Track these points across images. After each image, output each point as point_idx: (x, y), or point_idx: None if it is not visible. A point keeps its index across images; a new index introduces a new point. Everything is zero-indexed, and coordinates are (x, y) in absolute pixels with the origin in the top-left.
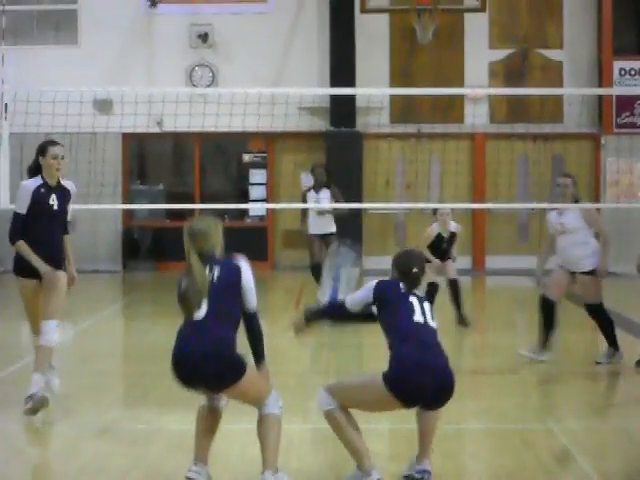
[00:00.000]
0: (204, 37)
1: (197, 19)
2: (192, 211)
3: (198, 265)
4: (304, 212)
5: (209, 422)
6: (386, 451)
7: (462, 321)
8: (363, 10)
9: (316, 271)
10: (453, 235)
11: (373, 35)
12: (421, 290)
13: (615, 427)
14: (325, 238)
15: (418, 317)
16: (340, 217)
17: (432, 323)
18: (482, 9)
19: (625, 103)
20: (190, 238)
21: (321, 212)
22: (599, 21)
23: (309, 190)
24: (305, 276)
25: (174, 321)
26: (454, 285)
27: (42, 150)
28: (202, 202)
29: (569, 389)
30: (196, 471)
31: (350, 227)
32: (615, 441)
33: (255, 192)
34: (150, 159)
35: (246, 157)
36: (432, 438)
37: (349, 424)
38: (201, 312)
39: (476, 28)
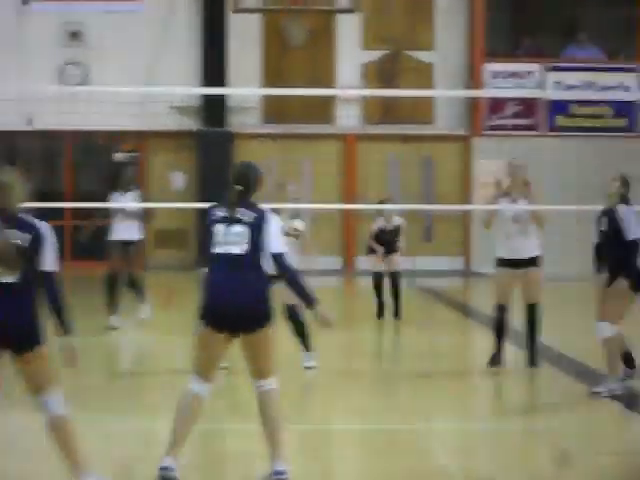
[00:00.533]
0: (76, 35)
1: (69, 17)
2: (62, 210)
3: None
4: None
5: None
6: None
7: (397, 313)
8: (235, 10)
9: (110, 283)
10: (397, 228)
11: (245, 35)
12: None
13: (485, 429)
14: (126, 246)
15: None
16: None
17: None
18: (354, 10)
19: (496, 105)
20: None
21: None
22: (471, 23)
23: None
24: (178, 276)
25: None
26: (394, 277)
27: None
28: (73, 201)
29: (439, 391)
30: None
31: None
32: (482, 442)
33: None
34: (20, 157)
35: (117, 156)
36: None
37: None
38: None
39: (348, 29)
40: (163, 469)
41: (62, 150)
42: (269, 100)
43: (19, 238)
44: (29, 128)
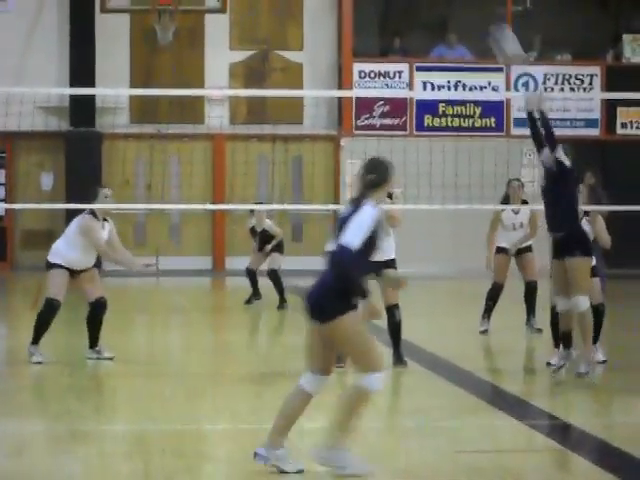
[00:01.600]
0: None
1: None
2: None
3: None
4: None
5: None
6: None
7: (281, 306)
8: (103, 10)
9: None
10: (265, 231)
11: (114, 35)
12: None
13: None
14: None
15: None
16: None
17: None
18: (223, 10)
19: (364, 105)
20: None
21: None
22: (339, 24)
23: None
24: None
25: None
26: (272, 275)
27: None
28: None
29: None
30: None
31: None
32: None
33: None
34: None
35: None
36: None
37: None
38: None
39: (217, 29)
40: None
41: None
42: (138, 100)
43: None
44: None
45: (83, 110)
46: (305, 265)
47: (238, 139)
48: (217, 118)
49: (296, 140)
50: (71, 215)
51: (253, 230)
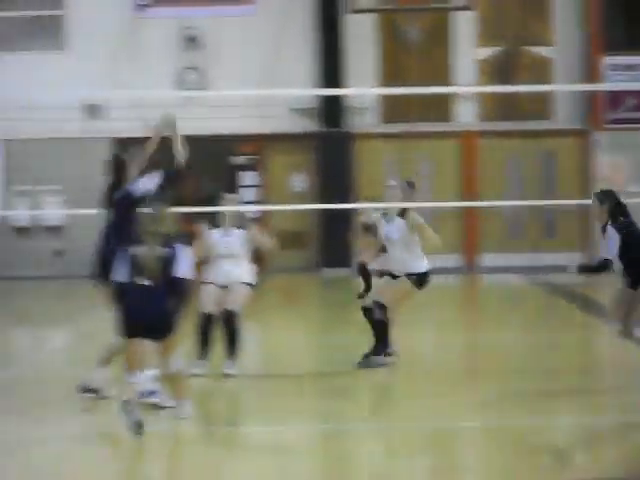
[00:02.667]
0: (192, 40)
1: (186, 22)
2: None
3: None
4: None
5: None
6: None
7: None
8: (351, 10)
9: None
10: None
11: (361, 35)
12: None
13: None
14: None
15: None
16: None
17: None
18: (470, 7)
19: (615, 99)
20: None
21: None
22: (588, 18)
23: None
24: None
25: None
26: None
27: None
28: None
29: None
30: None
31: (341, 228)
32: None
33: (246, 195)
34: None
35: (236, 160)
36: None
37: None
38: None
39: (464, 26)
40: None
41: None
42: (387, 99)
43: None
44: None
45: (333, 111)
46: (557, 261)
47: (487, 136)
48: (466, 115)
49: (546, 135)
50: (325, 216)
51: (366, 225)
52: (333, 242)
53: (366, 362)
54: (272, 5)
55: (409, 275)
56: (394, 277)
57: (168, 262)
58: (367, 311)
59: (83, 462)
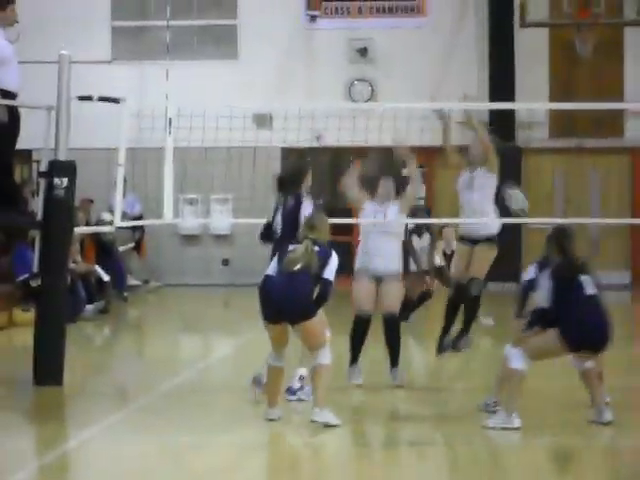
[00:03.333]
0: (363, 51)
1: (356, 34)
2: (351, 226)
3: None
4: None
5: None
6: None
7: None
8: (522, 24)
9: None
10: None
11: (533, 49)
12: None
13: None
14: None
15: None
16: None
17: None
18: None
19: None
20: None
21: None
22: None
23: None
24: None
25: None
26: None
27: None
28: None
29: None
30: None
31: (510, 242)
32: None
33: None
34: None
35: (405, 171)
36: None
37: None
38: None
39: (637, 41)
40: None
41: (349, 167)
42: (557, 114)
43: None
44: (319, 145)
45: (504, 124)
46: None
47: None
48: (637, 131)
49: None
50: None
51: None
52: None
53: (456, 343)
54: (444, 17)
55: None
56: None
57: (320, 261)
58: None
59: (251, 470)
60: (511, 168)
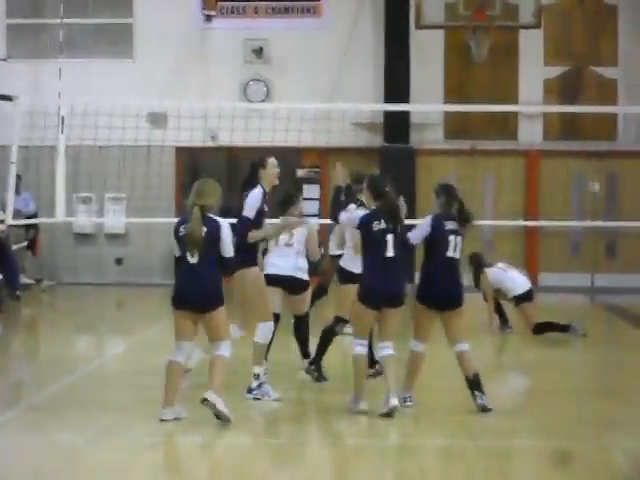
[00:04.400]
0: (259, 52)
1: (252, 34)
2: None
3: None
4: None
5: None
6: None
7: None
8: (418, 26)
9: None
10: None
11: (428, 51)
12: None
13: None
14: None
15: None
16: None
17: None
18: (537, 26)
19: None
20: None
21: None
22: None
23: None
24: None
25: None
26: None
27: (262, 162)
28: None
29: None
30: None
31: None
32: None
33: (309, 207)
34: (204, 173)
35: (300, 172)
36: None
37: None
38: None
39: (531, 45)
40: None
41: (244, 166)
42: (452, 116)
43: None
44: (213, 145)
45: (397, 126)
46: (618, 282)
47: (551, 155)
48: (531, 134)
49: (611, 156)
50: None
51: None
52: None
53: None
54: (340, 19)
55: None
56: None
57: (211, 237)
58: None
59: (144, 469)
60: (405, 169)
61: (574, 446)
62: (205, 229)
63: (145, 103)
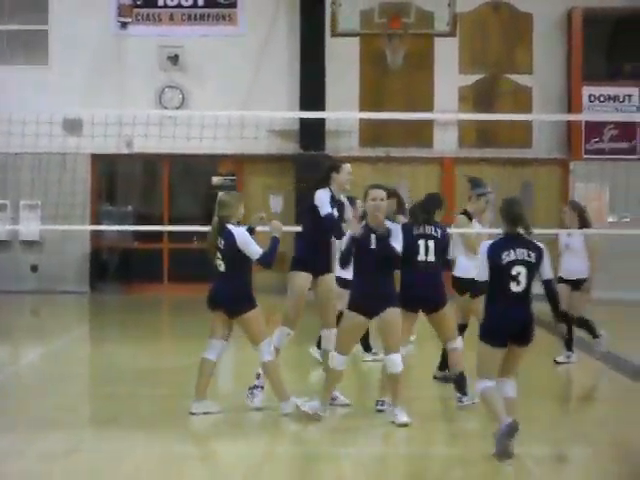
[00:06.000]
0: (174, 59)
1: (167, 41)
2: (161, 233)
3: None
4: None
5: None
6: None
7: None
8: (333, 34)
9: None
10: None
11: (344, 59)
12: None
13: None
14: None
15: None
16: None
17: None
18: (452, 34)
19: (594, 129)
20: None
21: None
22: (569, 48)
23: None
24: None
25: (141, 344)
26: None
27: (336, 167)
28: (171, 224)
29: None
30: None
31: None
32: None
33: None
34: (119, 180)
35: (215, 179)
36: None
37: None
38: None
39: (446, 53)
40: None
41: (160, 174)
42: (367, 124)
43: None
44: (128, 151)
45: (313, 133)
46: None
47: (467, 163)
48: (445, 142)
49: (525, 164)
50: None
51: None
52: None
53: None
54: (256, 26)
55: None
56: None
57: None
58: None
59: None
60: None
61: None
62: (223, 241)
63: (60, 109)
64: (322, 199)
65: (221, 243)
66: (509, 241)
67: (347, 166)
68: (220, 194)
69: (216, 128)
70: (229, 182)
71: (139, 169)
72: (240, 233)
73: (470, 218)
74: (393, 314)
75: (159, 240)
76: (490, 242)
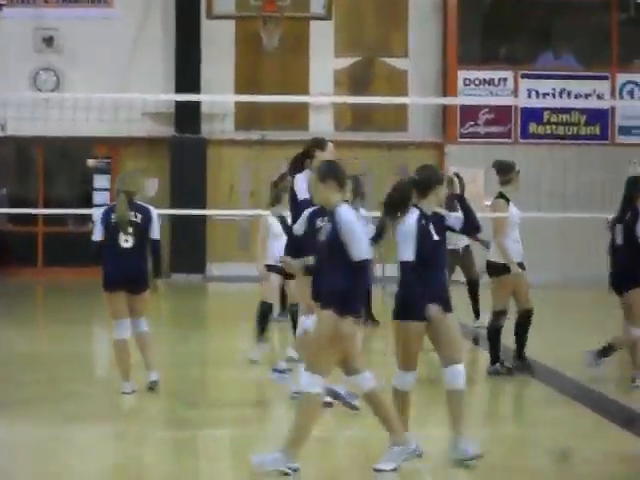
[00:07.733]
0: (49, 41)
1: (42, 23)
2: (35, 216)
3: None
4: None
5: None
6: None
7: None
8: (209, 16)
9: None
10: None
11: (219, 41)
12: None
13: None
14: None
15: None
16: None
17: None
18: (328, 17)
19: (469, 113)
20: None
21: None
22: (444, 30)
23: None
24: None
25: (21, 329)
26: None
27: (321, 145)
28: (46, 207)
29: None
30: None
31: (194, 234)
32: None
33: (99, 197)
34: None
35: (90, 162)
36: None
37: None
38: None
39: (322, 36)
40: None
41: (35, 156)
42: (243, 107)
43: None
44: (1, 134)
45: (188, 116)
46: None
47: (342, 146)
48: (321, 125)
49: (401, 147)
50: (175, 221)
51: None
52: (185, 248)
53: None
54: (131, 8)
55: None
56: None
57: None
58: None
59: None
60: (196, 160)
61: None
62: (140, 215)
63: None
64: (299, 184)
65: (137, 217)
66: None
67: (331, 145)
68: (125, 172)
69: (89, 111)
70: (104, 165)
71: (12, 152)
72: (153, 210)
73: (507, 201)
74: None
75: (34, 223)
76: None
